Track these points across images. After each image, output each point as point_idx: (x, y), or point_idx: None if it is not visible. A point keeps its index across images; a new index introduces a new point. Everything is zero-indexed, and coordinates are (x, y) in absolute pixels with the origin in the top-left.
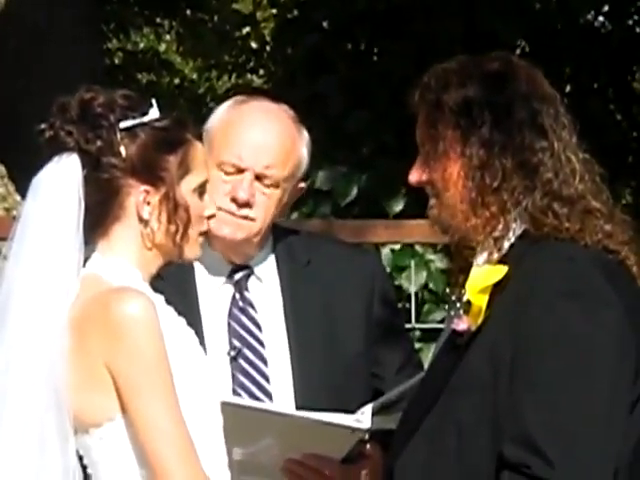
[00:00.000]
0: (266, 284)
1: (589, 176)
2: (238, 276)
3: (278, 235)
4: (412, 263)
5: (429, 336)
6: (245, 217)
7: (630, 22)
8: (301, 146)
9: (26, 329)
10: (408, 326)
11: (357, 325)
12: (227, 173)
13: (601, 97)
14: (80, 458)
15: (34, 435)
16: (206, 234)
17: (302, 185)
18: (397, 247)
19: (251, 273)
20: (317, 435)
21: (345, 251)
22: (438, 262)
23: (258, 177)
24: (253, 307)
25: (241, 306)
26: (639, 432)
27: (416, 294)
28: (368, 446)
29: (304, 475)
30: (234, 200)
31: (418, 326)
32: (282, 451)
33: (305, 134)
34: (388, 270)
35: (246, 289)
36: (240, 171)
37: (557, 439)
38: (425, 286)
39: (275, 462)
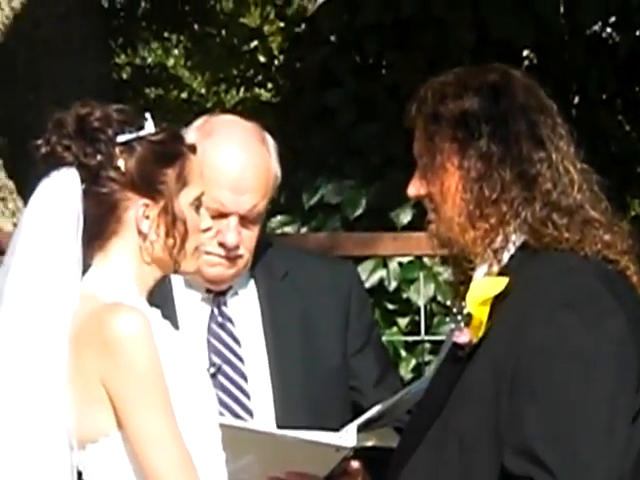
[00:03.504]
0: (244, 298)
1: (587, 186)
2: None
3: (255, 248)
4: (421, 275)
5: (439, 349)
6: (235, 257)
7: (638, 33)
8: (274, 163)
9: (26, 343)
10: (417, 339)
11: (335, 337)
12: (209, 217)
13: (609, 108)
14: (79, 474)
15: (33, 450)
16: (199, 249)
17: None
18: (405, 260)
19: (229, 288)
20: (301, 453)
21: (322, 263)
22: (446, 274)
23: (243, 217)
24: (232, 322)
25: (220, 321)
26: None
27: (425, 307)
28: (351, 463)
29: None
30: (222, 245)
31: (428, 338)
32: (265, 469)
33: (271, 142)
34: (396, 283)
35: (224, 304)
36: (223, 215)
37: (559, 450)
38: (434, 298)
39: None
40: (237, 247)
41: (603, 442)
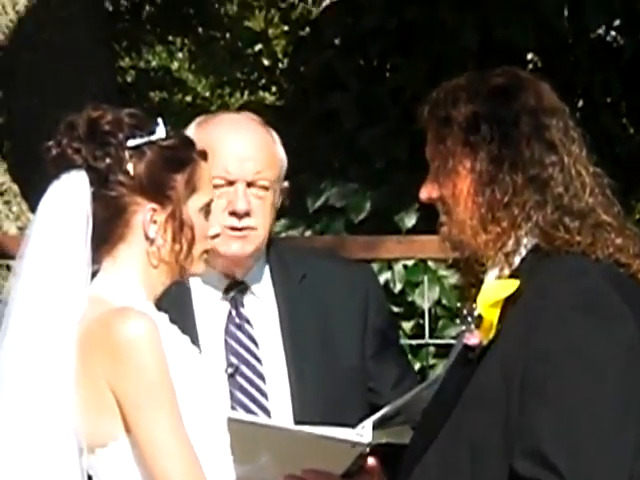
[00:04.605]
0: (262, 300)
1: (599, 189)
2: (233, 292)
3: (272, 250)
4: (425, 279)
5: (444, 352)
6: (248, 228)
7: None
8: (277, 146)
9: (34, 347)
10: (422, 342)
11: (353, 339)
12: (217, 186)
13: (614, 111)
14: (89, 478)
15: (43, 455)
16: (208, 252)
17: (285, 184)
18: (410, 263)
19: (246, 289)
20: (318, 450)
21: (340, 266)
22: (451, 278)
23: (249, 184)
24: (249, 323)
25: (237, 322)
26: None
27: (430, 310)
28: (369, 460)
29: None
30: (233, 213)
31: (432, 342)
32: (282, 467)
33: (275, 134)
34: (401, 286)
35: (242, 305)
36: (230, 183)
37: (569, 453)
38: (438, 302)
39: (275, 479)
40: (247, 214)
41: (612, 447)
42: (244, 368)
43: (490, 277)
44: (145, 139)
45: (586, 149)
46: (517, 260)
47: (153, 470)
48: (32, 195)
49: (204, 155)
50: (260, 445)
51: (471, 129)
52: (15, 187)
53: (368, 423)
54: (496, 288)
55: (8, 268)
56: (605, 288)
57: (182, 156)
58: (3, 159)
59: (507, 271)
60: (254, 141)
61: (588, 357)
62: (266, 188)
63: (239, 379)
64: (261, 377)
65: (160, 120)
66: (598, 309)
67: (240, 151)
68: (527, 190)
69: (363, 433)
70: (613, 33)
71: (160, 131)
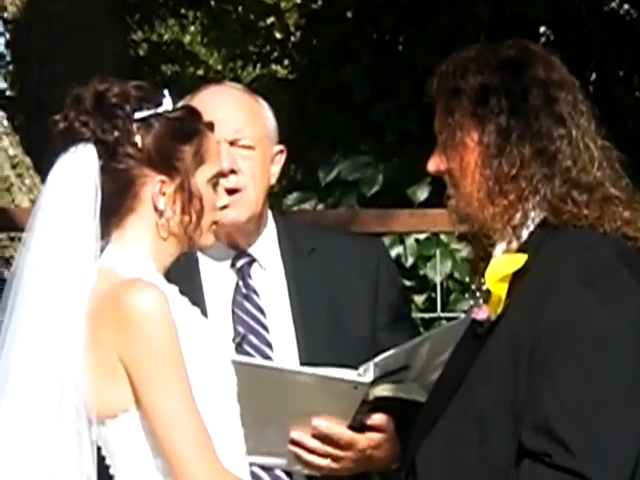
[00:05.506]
0: (269, 272)
1: (608, 163)
2: (240, 263)
3: (281, 224)
4: (437, 252)
5: None
6: (237, 189)
7: None
8: (262, 108)
9: (44, 319)
10: (434, 315)
11: (362, 311)
12: None
13: (626, 85)
14: (99, 449)
15: (52, 425)
16: (216, 224)
17: (281, 147)
18: (422, 237)
19: (254, 260)
20: (320, 394)
21: (349, 239)
22: (463, 251)
23: (232, 144)
24: (257, 294)
25: (245, 293)
26: None
27: (442, 284)
28: (379, 415)
29: (313, 446)
30: (219, 173)
31: (444, 315)
32: (287, 420)
33: (262, 101)
34: (413, 260)
35: (249, 276)
36: None
37: (577, 428)
38: (451, 275)
39: (282, 435)
40: (234, 173)
41: (621, 421)
42: (252, 337)
43: (498, 251)
44: (152, 111)
45: (595, 122)
46: (525, 234)
47: (162, 442)
48: (45, 168)
49: (211, 126)
50: (264, 391)
51: (479, 101)
52: (28, 160)
53: (369, 364)
54: (504, 263)
55: (20, 240)
56: (614, 262)
57: (189, 127)
58: (16, 132)
59: (515, 244)
60: (233, 103)
61: (597, 332)
62: (251, 147)
63: (247, 347)
64: (269, 345)
65: (166, 92)
66: (607, 284)
67: (220, 114)
68: (535, 163)
69: (364, 374)
70: (626, 6)
71: (167, 103)
